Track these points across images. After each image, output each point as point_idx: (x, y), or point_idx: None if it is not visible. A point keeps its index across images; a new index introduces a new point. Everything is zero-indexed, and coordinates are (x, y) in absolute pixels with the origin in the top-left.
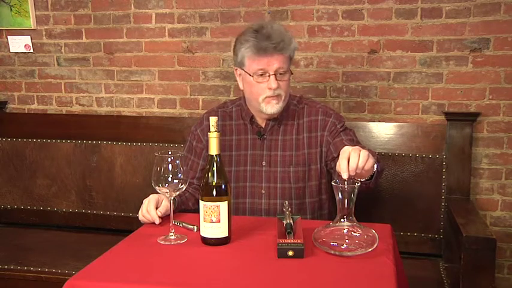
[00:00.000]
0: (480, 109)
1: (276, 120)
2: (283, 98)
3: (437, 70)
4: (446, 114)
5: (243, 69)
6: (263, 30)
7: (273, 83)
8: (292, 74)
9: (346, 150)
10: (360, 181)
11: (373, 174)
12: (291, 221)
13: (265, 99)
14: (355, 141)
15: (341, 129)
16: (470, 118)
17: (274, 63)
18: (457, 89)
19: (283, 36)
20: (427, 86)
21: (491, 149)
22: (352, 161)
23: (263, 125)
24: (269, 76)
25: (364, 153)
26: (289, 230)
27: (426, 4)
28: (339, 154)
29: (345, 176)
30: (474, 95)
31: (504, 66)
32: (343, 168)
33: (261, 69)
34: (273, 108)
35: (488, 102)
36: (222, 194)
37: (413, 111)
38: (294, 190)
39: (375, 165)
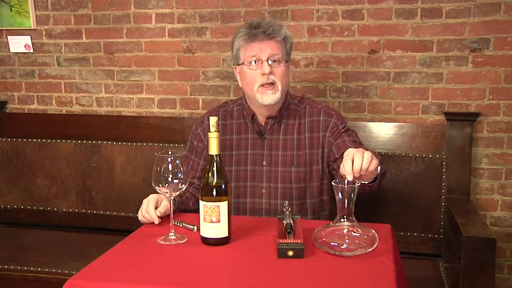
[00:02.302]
0: (480, 109)
1: (276, 119)
2: (279, 88)
3: (437, 70)
4: (446, 114)
5: (239, 63)
6: (254, 22)
7: (266, 68)
8: (287, 62)
9: (350, 152)
10: (364, 183)
11: (377, 176)
12: (291, 221)
13: (259, 89)
14: (357, 142)
15: (343, 130)
16: (470, 118)
17: (266, 48)
18: (457, 89)
19: (273, 24)
20: (427, 86)
21: (491, 149)
22: (356, 162)
23: (263, 124)
24: (262, 63)
25: (367, 154)
26: (289, 230)
27: (426, 4)
28: (341, 155)
29: (349, 177)
30: (474, 95)
31: (504, 66)
32: (348, 169)
33: (254, 56)
34: (268, 98)
35: (488, 102)
36: (222, 194)
37: (413, 111)
38: (295, 190)
39: (379, 167)
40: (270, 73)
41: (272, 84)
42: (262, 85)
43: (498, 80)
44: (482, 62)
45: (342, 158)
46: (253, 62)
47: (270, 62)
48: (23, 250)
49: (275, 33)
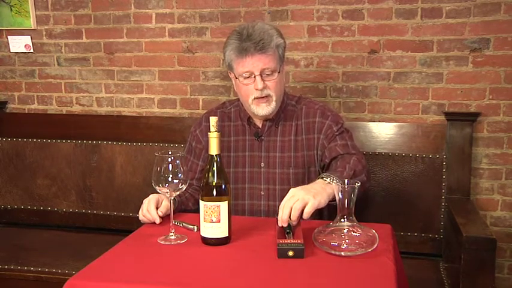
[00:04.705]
0: (480, 109)
1: (273, 121)
2: (274, 98)
3: (437, 70)
4: (446, 114)
5: (233, 73)
6: (244, 31)
7: (259, 84)
8: (280, 72)
9: (288, 196)
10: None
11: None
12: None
13: (254, 101)
14: (349, 146)
15: (337, 133)
16: (470, 118)
17: (258, 64)
18: (457, 89)
19: (263, 35)
20: (427, 86)
21: (491, 149)
22: (284, 213)
23: (260, 126)
24: (255, 77)
25: (298, 204)
26: (288, 230)
27: (426, 4)
28: (331, 160)
29: (280, 224)
30: (474, 95)
31: (504, 66)
32: (279, 216)
33: (247, 72)
34: (263, 110)
35: (488, 102)
36: (222, 194)
37: (413, 111)
38: None
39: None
40: (264, 88)
41: (266, 96)
42: (257, 98)
43: (498, 80)
44: (482, 62)
45: (331, 163)
46: (246, 76)
47: (263, 76)
48: (23, 250)
49: (266, 47)
